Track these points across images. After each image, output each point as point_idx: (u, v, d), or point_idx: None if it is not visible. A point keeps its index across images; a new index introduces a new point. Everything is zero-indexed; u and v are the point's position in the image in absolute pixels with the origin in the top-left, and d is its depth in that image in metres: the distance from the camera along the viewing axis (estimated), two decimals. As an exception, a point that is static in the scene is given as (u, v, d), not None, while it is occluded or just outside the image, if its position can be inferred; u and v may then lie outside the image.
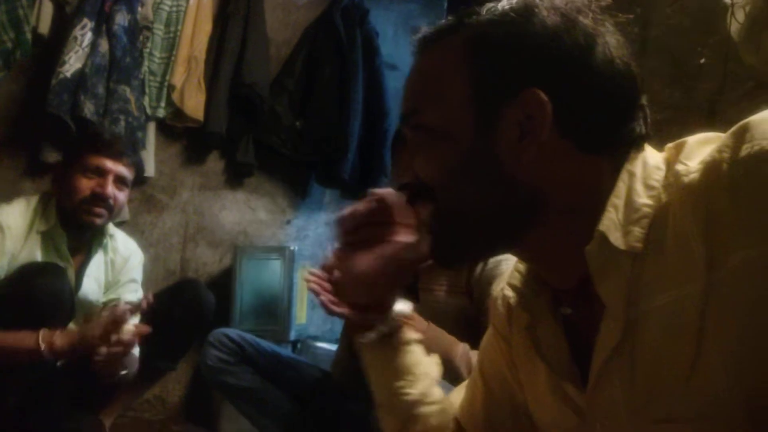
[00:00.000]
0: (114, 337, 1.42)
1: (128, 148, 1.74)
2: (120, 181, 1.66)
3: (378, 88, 2.78)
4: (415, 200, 0.68)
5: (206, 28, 2.56)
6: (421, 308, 1.40)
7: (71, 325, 1.63)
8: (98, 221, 1.65)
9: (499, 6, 0.59)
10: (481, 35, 0.59)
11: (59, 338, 1.45)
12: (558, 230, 0.59)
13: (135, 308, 1.43)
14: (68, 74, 2.20)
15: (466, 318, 1.37)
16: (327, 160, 2.67)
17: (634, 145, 0.59)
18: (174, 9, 2.52)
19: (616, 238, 0.55)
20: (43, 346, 1.43)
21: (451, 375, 1.21)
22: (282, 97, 2.66)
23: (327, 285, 1.29)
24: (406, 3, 3.11)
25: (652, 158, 0.59)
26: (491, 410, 0.78)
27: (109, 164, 1.64)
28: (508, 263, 1.35)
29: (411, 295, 1.45)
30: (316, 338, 2.56)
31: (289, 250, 2.47)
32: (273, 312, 2.42)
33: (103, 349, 1.42)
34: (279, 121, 2.63)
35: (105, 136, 1.75)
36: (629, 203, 0.56)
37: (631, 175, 0.57)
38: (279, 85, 2.67)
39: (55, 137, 2.23)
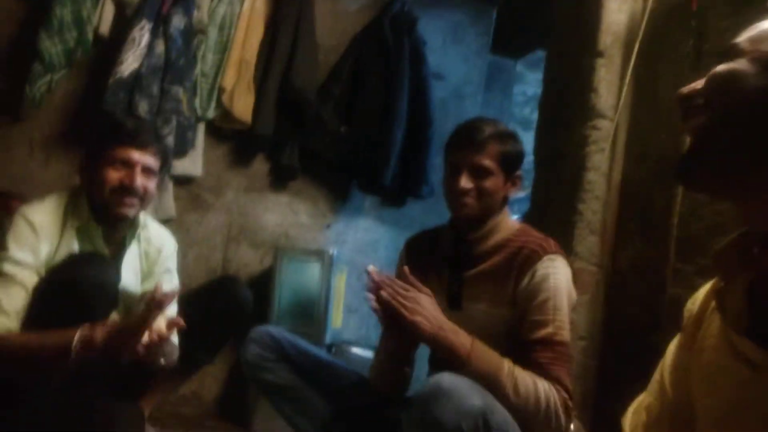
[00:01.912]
0: (147, 337, 1.39)
1: (153, 137, 1.71)
2: (148, 170, 1.65)
3: (423, 97, 2.79)
4: (692, 110, 0.71)
5: (258, 32, 2.61)
6: (464, 317, 1.39)
7: (114, 316, 1.64)
8: (130, 212, 1.64)
9: None
10: None
11: (99, 333, 1.40)
12: None
13: (171, 296, 1.40)
14: (125, 74, 2.26)
15: (508, 329, 1.35)
16: (369, 167, 2.68)
17: None
18: (228, 13, 2.57)
19: None
20: (77, 347, 1.37)
21: (496, 393, 1.19)
22: (328, 103, 2.68)
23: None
24: (455, 13, 3.11)
25: None
26: None
27: (136, 155, 1.62)
28: (555, 278, 1.33)
29: (455, 303, 1.44)
30: (351, 343, 2.56)
31: (328, 254, 2.49)
32: (310, 314, 2.44)
33: (143, 340, 1.40)
34: (324, 126, 2.66)
35: (128, 126, 1.72)
36: None
37: None
38: (325, 91, 2.69)
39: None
